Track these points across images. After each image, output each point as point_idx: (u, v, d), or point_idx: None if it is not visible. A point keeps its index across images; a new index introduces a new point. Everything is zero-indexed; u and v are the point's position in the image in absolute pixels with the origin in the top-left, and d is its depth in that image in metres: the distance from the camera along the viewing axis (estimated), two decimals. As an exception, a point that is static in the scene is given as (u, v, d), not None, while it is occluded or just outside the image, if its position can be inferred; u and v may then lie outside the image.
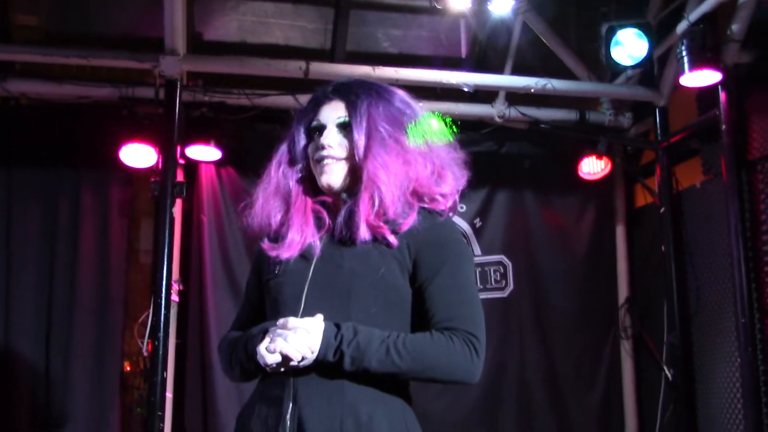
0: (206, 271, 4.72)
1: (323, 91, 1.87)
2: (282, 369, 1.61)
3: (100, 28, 4.91)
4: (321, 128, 1.80)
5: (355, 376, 1.61)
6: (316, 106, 1.85)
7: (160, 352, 4.06)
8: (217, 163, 4.80)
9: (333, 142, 1.77)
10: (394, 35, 5.25)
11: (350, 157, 1.76)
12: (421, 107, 1.89)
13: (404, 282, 1.70)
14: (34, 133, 4.66)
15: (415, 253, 1.70)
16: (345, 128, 1.78)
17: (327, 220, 1.78)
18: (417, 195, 1.74)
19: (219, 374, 4.55)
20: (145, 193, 4.62)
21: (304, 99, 4.57)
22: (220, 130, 4.68)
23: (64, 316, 4.54)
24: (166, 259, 4.14)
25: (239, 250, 4.76)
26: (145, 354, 4.32)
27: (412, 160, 1.75)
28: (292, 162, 1.86)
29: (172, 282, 4.28)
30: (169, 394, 4.25)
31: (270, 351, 1.59)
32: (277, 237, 1.81)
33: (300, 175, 1.84)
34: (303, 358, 1.58)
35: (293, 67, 4.43)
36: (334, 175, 1.77)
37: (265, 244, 1.82)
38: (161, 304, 4.07)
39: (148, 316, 4.24)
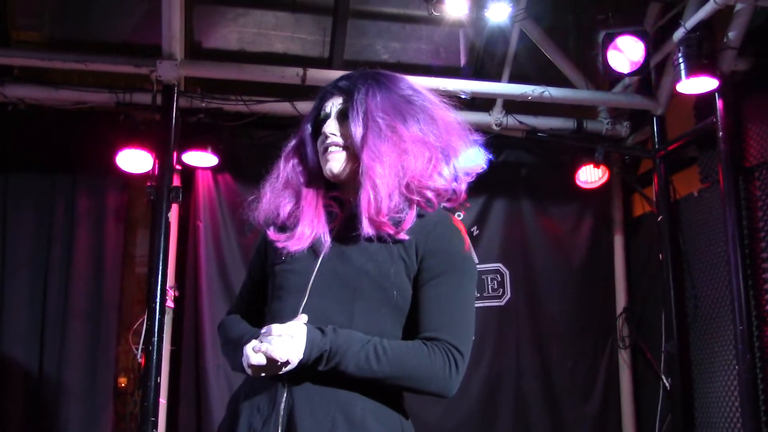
0: (202, 278, 4.69)
1: (328, 86, 1.87)
2: (263, 374, 1.59)
3: (99, 35, 4.93)
4: (325, 119, 1.81)
5: (348, 383, 1.59)
6: (321, 101, 1.86)
7: (154, 357, 4.04)
8: (214, 170, 4.79)
9: (334, 130, 1.77)
10: (393, 47, 5.26)
11: (350, 146, 1.75)
12: (430, 92, 1.85)
13: (408, 284, 1.68)
14: (31, 139, 4.67)
15: (422, 256, 1.68)
16: (344, 117, 1.78)
17: (338, 214, 1.77)
18: (411, 189, 1.70)
19: (213, 382, 4.52)
20: (142, 200, 4.61)
21: (301, 106, 4.61)
22: (217, 136, 4.68)
23: (58, 322, 4.51)
24: (161, 263, 4.13)
25: (235, 256, 4.74)
26: (140, 360, 4.30)
27: (410, 149, 1.71)
28: (301, 156, 1.86)
29: (168, 288, 4.26)
30: (162, 400, 4.23)
31: (255, 351, 1.57)
32: (285, 227, 1.79)
33: (310, 169, 1.84)
34: (287, 362, 1.56)
35: (291, 74, 4.43)
36: (335, 162, 1.76)
37: (272, 234, 1.79)
38: (156, 308, 4.05)
39: (142, 324, 4.22)
